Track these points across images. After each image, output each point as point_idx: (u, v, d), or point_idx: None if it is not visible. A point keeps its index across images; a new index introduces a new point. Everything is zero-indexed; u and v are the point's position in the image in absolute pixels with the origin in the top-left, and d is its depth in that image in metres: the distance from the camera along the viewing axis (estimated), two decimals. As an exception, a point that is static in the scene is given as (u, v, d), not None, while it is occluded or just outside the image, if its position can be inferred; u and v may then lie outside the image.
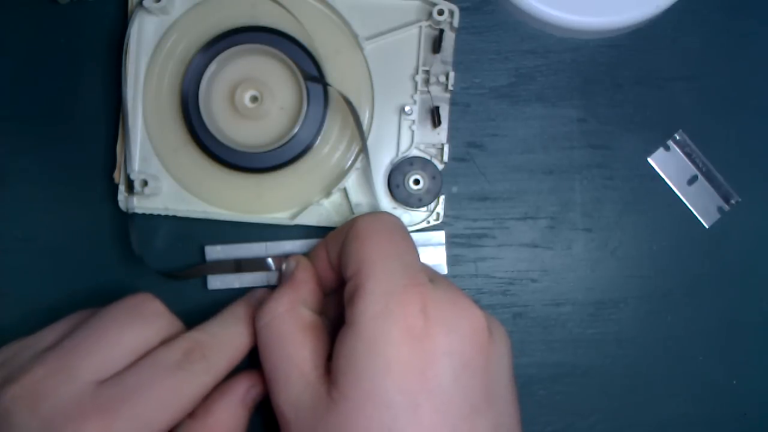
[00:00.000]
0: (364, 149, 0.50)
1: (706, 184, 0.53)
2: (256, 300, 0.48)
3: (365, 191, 0.51)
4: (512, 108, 0.54)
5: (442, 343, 0.40)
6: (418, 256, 0.45)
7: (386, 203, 0.52)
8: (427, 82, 0.51)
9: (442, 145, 0.51)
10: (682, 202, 0.53)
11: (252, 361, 0.46)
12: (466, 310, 0.42)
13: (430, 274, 0.44)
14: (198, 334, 0.45)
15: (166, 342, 0.45)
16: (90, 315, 0.46)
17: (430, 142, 0.51)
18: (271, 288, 0.50)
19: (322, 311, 0.47)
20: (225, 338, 0.46)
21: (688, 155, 0.53)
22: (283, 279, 0.48)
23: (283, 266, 0.48)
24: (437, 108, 0.51)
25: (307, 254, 0.49)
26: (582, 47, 0.54)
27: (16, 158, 0.53)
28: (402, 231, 0.45)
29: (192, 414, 0.45)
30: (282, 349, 0.43)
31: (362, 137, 0.50)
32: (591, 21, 0.51)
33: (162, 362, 0.43)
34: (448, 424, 0.40)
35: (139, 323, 0.44)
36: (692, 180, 0.53)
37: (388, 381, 0.39)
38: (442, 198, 0.51)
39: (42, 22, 0.54)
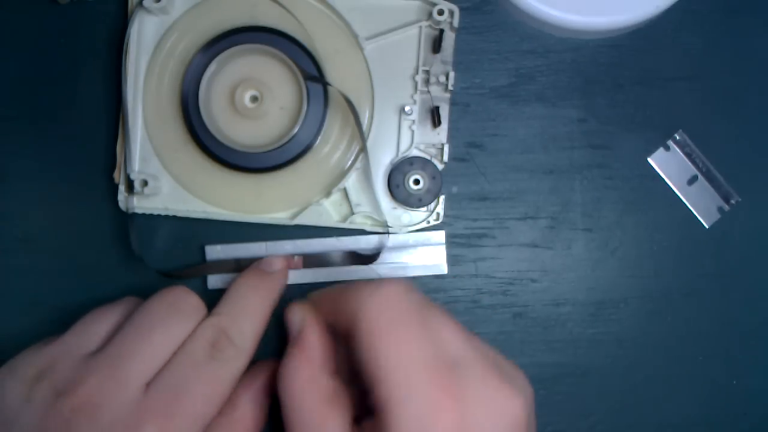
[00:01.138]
0: (364, 149, 0.50)
1: (706, 184, 0.53)
2: (266, 266, 0.49)
3: (365, 191, 0.51)
4: (512, 108, 0.53)
5: None
6: (435, 325, 0.42)
7: (386, 203, 0.51)
8: (427, 82, 0.51)
9: (442, 145, 0.51)
10: (682, 202, 0.53)
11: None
12: (502, 401, 0.40)
13: (455, 346, 0.42)
14: (218, 320, 0.45)
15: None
16: (123, 309, 0.46)
17: (430, 142, 0.51)
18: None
19: (336, 368, 0.46)
20: (245, 316, 0.46)
21: (688, 155, 0.53)
22: (291, 337, 0.46)
23: (288, 319, 0.47)
24: (437, 108, 0.50)
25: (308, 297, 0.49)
26: (582, 47, 0.54)
27: (16, 158, 0.53)
28: (415, 310, 0.42)
29: None
30: (309, 425, 0.43)
31: (362, 137, 0.49)
32: (591, 21, 0.51)
33: (195, 356, 0.44)
34: None
35: (180, 320, 0.45)
36: (692, 180, 0.53)
37: None
38: (442, 198, 0.51)
39: (42, 22, 0.53)
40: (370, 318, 0.41)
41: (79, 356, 0.44)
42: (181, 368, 0.43)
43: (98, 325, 0.46)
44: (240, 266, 0.51)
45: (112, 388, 0.42)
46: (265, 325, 0.47)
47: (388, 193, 0.51)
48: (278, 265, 0.50)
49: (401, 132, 0.51)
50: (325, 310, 0.46)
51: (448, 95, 0.51)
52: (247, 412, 0.46)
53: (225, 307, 0.46)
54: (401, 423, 0.39)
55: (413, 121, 0.51)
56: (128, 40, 0.51)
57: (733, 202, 0.53)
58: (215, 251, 0.52)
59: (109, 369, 0.42)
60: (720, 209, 0.53)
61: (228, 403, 0.45)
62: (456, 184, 0.53)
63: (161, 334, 0.44)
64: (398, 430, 0.39)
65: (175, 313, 0.45)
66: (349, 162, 0.51)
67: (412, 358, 0.40)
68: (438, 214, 0.52)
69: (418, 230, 0.52)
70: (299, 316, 0.46)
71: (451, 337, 0.41)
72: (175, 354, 0.44)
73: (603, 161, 0.53)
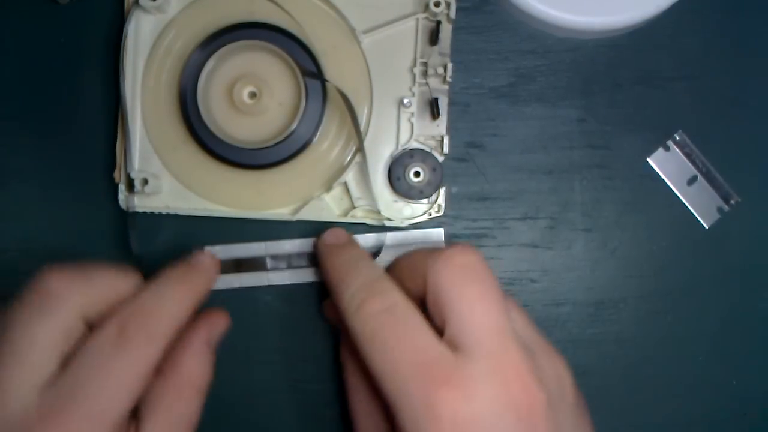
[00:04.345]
0: (361, 149, 0.48)
1: (706, 184, 0.52)
2: (194, 260, 0.45)
3: (365, 187, 0.50)
4: (512, 108, 0.52)
5: None
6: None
7: (387, 196, 0.50)
8: (425, 74, 0.49)
9: (442, 136, 0.49)
10: (682, 202, 0.52)
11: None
12: (505, 389, 0.37)
13: (457, 334, 0.39)
14: (128, 307, 0.41)
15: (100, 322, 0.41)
16: None
17: (430, 134, 0.50)
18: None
19: None
20: (162, 303, 0.42)
21: (688, 155, 0.52)
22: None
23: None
24: (436, 100, 0.49)
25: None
26: (582, 47, 0.52)
27: (16, 158, 0.52)
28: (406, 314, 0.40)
29: (160, 371, 0.41)
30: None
31: (359, 136, 0.48)
32: (591, 21, 0.50)
33: (97, 349, 0.39)
34: None
35: (44, 320, 0.40)
36: (692, 180, 0.52)
37: None
38: (443, 190, 0.50)
39: (42, 22, 0.52)
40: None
41: None
42: (81, 363, 0.39)
43: None
44: (240, 266, 0.49)
45: None
46: (184, 316, 0.42)
47: (389, 185, 0.50)
48: (207, 260, 0.46)
49: (400, 124, 0.50)
50: (403, 277, 0.43)
51: (446, 87, 0.50)
52: (191, 370, 0.43)
53: (139, 296, 0.42)
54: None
55: (412, 113, 0.49)
56: (125, 38, 0.49)
57: (732, 202, 0.52)
58: (214, 252, 0.49)
59: None
60: (720, 209, 0.52)
61: (169, 363, 0.42)
62: (456, 184, 0.51)
63: (28, 339, 0.39)
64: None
65: (36, 312, 0.40)
66: (349, 156, 0.50)
67: (401, 358, 0.38)
68: (439, 206, 0.50)
69: (419, 222, 0.50)
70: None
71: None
72: (77, 350, 0.40)
73: (603, 161, 0.52)
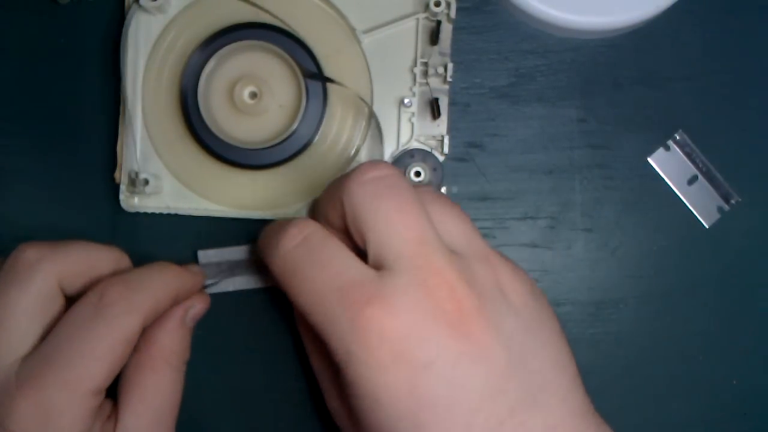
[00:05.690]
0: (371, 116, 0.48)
1: (706, 184, 0.51)
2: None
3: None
4: (512, 108, 0.51)
5: (418, 357, 0.35)
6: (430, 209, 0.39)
7: None
8: (425, 74, 0.49)
9: (442, 136, 0.49)
10: (682, 202, 0.51)
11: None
12: (429, 298, 0.36)
13: (377, 251, 0.38)
14: (112, 278, 0.41)
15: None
16: None
17: (430, 134, 0.49)
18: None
19: None
20: (144, 278, 0.42)
21: (688, 155, 0.51)
22: None
23: None
24: (436, 100, 0.49)
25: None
26: (582, 47, 0.51)
27: (16, 158, 0.51)
28: (320, 238, 0.39)
29: (136, 348, 0.41)
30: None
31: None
32: (591, 21, 0.49)
33: (77, 317, 0.39)
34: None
35: (22, 287, 0.40)
36: (692, 180, 0.51)
37: (386, 414, 0.35)
38: (443, 190, 0.49)
39: (42, 22, 0.51)
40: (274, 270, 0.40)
41: None
42: (60, 332, 0.39)
43: None
44: (234, 268, 0.49)
45: None
46: (166, 296, 0.42)
47: (390, 185, 0.49)
48: (196, 267, 0.47)
49: (401, 125, 0.49)
50: (327, 209, 0.42)
51: (446, 86, 0.49)
52: (165, 346, 0.42)
53: (125, 273, 0.42)
54: (336, 355, 0.37)
55: (413, 113, 0.49)
56: (126, 39, 0.49)
57: (733, 202, 0.51)
58: (207, 256, 0.49)
59: None
60: (720, 209, 0.51)
61: (144, 339, 0.42)
62: (456, 184, 0.51)
63: (4, 306, 0.39)
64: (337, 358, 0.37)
65: (12, 282, 0.40)
66: (350, 156, 0.49)
67: (320, 289, 0.38)
68: (440, 206, 0.49)
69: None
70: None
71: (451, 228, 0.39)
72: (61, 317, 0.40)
73: (603, 161, 0.51)
